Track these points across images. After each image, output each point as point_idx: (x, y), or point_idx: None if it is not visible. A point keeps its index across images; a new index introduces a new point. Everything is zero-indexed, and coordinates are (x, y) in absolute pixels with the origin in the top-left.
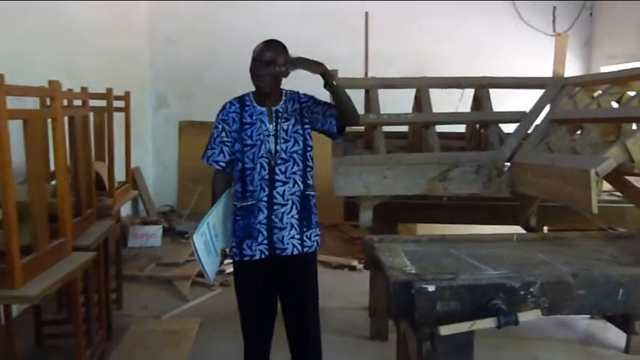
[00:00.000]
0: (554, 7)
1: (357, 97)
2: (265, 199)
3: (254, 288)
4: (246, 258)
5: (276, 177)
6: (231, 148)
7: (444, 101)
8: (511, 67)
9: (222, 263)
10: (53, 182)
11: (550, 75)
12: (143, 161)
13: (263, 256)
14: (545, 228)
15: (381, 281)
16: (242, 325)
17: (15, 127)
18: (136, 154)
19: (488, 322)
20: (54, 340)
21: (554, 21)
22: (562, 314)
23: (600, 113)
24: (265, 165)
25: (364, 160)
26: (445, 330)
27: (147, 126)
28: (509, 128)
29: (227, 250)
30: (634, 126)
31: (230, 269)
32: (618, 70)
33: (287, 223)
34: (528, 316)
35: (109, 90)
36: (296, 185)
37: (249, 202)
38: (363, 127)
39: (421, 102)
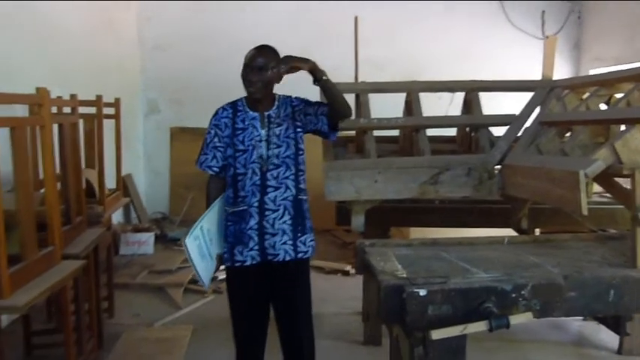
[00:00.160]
0: (543, 11)
1: (347, 101)
2: (256, 204)
3: (246, 294)
4: (237, 264)
5: (268, 182)
6: (223, 153)
7: (435, 105)
8: (501, 70)
9: (217, 269)
10: (43, 190)
11: (539, 78)
12: (134, 168)
13: (254, 262)
14: (537, 230)
15: (373, 286)
16: (234, 331)
17: (3, 135)
18: (128, 161)
19: (480, 326)
20: (44, 350)
21: (543, 24)
22: (553, 316)
23: (589, 115)
24: (257, 170)
25: (355, 164)
26: (437, 334)
27: (138, 133)
28: (499, 131)
29: (223, 255)
30: (622, 127)
31: (222, 276)
32: (606, 73)
33: (279, 229)
34: (520, 319)
35: (99, 97)
36: (288, 190)
37: (241, 208)
38: (354, 132)
39: (412, 106)
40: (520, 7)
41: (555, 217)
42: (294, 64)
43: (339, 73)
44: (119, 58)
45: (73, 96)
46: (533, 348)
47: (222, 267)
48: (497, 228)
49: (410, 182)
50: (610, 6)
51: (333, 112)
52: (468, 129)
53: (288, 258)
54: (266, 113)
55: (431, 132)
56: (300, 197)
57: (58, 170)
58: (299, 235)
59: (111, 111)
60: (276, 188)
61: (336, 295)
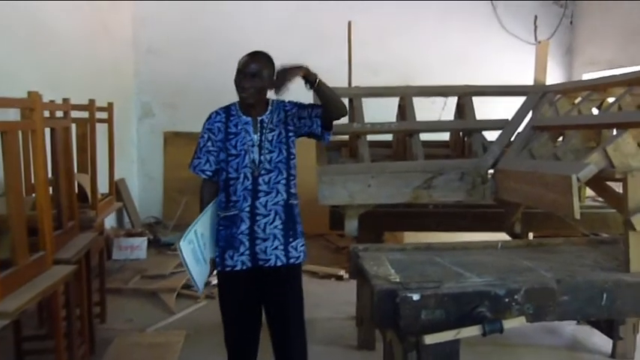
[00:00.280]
0: (536, 16)
1: (342, 100)
2: (248, 209)
3: (236, 299)
4: (228, 268)
5: (259, 187)
6: (216, 157)
7: (428, 110)
8: (494, 75)
9: (211, 273)
10: (34, 195)
11: (532, 82)
12: (128, 172)
13: (244, 267)
14: (531, 234)
15: (367, 290)
16: (225, 336)
17: None
18: (121, 165)
19: (474, 330)
20: (35, 356)
21: (535, 29)
22: (546, 321)
23: (581, 120)
24: (249, 175)
25: (348, 168)
26: (430, 339)
27: (132, 137)
28: (492, 136)
29: (215, 259)
30: (614, 132)
31: (216, 281)
32: (598, 78)
33: (270, 234)
34: (513, 324)
35: (92, 101)
36: (279, 195)
37: (232, 212)
38: (347, 136)
39: (405, 110)
40: (513, 12)
41: (548, 222)
42: (291, 76)
43: (333, 77)
44: (113, 62)
45: (65, 100)
46: (527, 352)
47: (214, 272)
48: (490, 232)
49: (403, 187)
50: (602, 10)
51: (328, 113)
52: (461, 133)
53: (279, 263)
54: (259, 118)
55: (424, 136)
56: (291, 202)
57: (50, 175)
58: (290, 240)
59: (104, 115)
60: (268, 193)
61: (329, 300)
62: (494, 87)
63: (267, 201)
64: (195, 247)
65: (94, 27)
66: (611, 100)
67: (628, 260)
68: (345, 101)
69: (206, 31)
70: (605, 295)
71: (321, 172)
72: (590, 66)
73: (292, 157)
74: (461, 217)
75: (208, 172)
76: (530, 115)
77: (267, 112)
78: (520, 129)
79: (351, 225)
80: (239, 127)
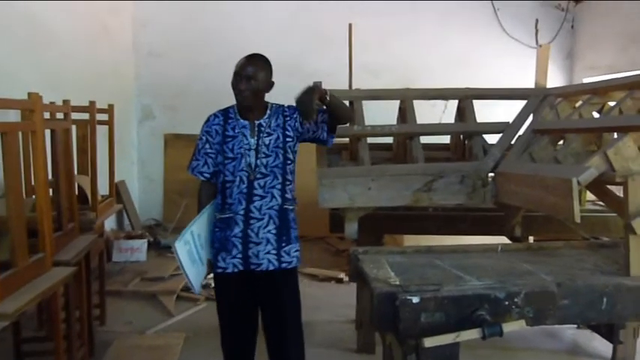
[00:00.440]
0: (537, 20)
1: (348, 107)
2: (242, 212)
3: (229, 301)
4: (220, 270)
5: (255, 191)
6: (214, 159)
7: (429, 113)
8: (495, 78)
9: (208, 274)
10: (34, 196)
11: (532, 86)
12: (128, 174)
13: (236, 270)
14: (531, 238)
15: (366, 293)
16: (221, 338)
17: None
18: (121, 167)
19: (473, 334)
20: (34, 358)
21: (536, 33)
22: (546, 324)
23: (581, 123)
24: (244, 178)
25: (348, 171)
26: (429, 342)
27: (132, 139)
28: (493, 139)
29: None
30: (615, 135)
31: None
32: (599, 81)
33: (263, 238)
34: (513, 327)
35: (92, 103)
36: (274, 199)
37: (227, 215)
38: (348, 139)
39: (405, 113)
40: (514, 16)
41: (549, 225)
42: (315, 102)
43: (333, 79)
44: (114, 64)
45: (65, 102)
46: (527, 356)
47: (211, 275)
48: (491, 235)
49: (403, 190)
50: (603, 15)
51: (338, 121)
52: (461, 136)
53: (271, 267)
54: (257, 122)
55: (425, 139)
56: (285, 207)
57: (50, 176)
58: (283, 245)
59: (104, 117)
60: (262, 197)
61: (329, 303)
62: (495, 90)
63: (261, 205)
64: (191, 248)
65: (95, 29)
66: (611, 103)
67: (628, 264)
68: (346, 104)
69: (206, 33)
70: (605, 299)
71: (322, 174)
72: (590, 70)
73: (289, 162)
74: (461, 220)
75: (206, 174)
76: (530, 118)
77: (266, 117)
78: (521, 132)
79: (351, 228)
80: (236, 131)
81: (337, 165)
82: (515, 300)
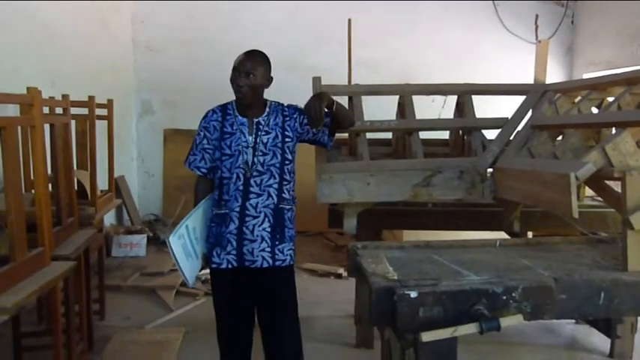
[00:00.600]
0: (537, 16)
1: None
2: (238, 209)
3: (224, 296)
4: (214, 265)
5: (251, 189)
6: (212, 155)
7: (428, 108)
8: (495, 74)
9: (203, 267)
10: (34, 191)
11: (532, 82)
12: (128, 169)
13: (230, 266)
14: (530, 233)
15: (365, 288)
16: (217, 332)
17: None
18: (121, 163)
19: (471, 328)
20: (34, 352)
21: (536, 29)
22: (544, 319)
23: (580, 119)
24: (241, 176)
25: (347, 166)
26: (427, 336)
27: (132, 134)
28: (492, 134)
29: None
30: (613, 131)
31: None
32: (597, 77)
33: (258, 236)
34: (510, 322)
35: (91, 98)
36: (270, 198)
37: (223, 211)
38: (347, 134)
39: (405, 109)
40: (514, 11)
41: (547, 220)
42: (322, 111)
43: (332, 74)
44: (113, 59)
45: (64, 96)
46: (526, 351)
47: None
48: (490, 231)
49: (402, 185)
50: (603, 11)
51: (340, 127)
52: (460, 132)
53: (265, 265)
54: (255, 120)
55: (425, 135)
56: (281, 206)
57: (49, 171)
58: (277, 243)
59: (103, 112)
60: (259, 195)
61: (328, 298)
62: (494, 85)
63: (257, 203)
64: (185, 242)
65: (94, 24)
66: (610, 99)
67: (626, 259)
68: (345, 99)
69: (206, 29)
70: (602, 294)
71: (321, 170)
72: (590, 66)
73: (287, 162)
74: (460, 215)
75: (203, 169)
76: (529, 113)
77: (264, 114)
78: (520, 128)
79: (350, 223)
80: (234, 128)
81: (336, 160)
82: (513, 295)
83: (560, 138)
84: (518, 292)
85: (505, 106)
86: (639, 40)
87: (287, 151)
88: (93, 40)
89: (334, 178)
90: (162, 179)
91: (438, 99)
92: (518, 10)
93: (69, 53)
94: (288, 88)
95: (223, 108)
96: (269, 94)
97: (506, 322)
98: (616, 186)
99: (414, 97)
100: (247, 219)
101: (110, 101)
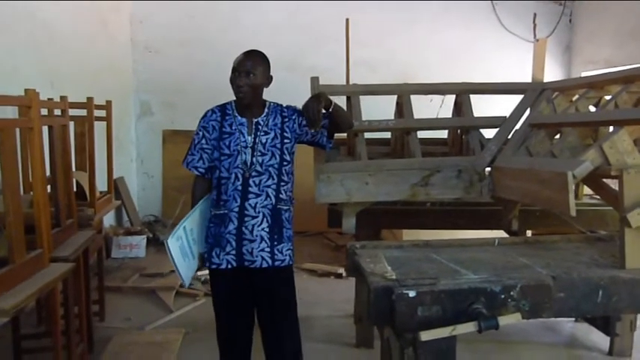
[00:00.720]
0: (535, 14)
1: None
2: (237, 209)
3: (223, 296)
4: (214, 266)
5: (250, 189)
6: (210, 155)
7: (426, 107)
8: (493, 73)
9: (200, 268)
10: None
11: (530, 80)
12: (127, 171)
13: (229, 266)
14: (530, 232)
15: (364, 288)
16: (217, 332)
17: None
18: (120, 164)
19: (469, 327)
20: (33, 355)
21: (534, 27)
22: (542, 317)
23: (578, 117)
24: (240, 176)
25: (346, 166)
26: (426, 335)
27: (131, 135)
28: (490, 133)
29: (205, 255)
30: (611, 129)
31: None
32: (595, 75)
33: (257, 236)
34: (509, 320)
35: (90, 99)
36: (268, 198)
37: (222, 211)
38: (345, 134)
39: (403, 108)
40: (512, 10)
41: (546, 219)
42: (320, 112)
43: (331, 74)
44: (112, 60)
45: (63, 98)
46: (525, 349)
47: (203, 269)
48: (489, 230)
49: (401, 184)
50: (601, 9)
51: (339, 129)
52: (459, 131)
53: (264, 265)
54: (254, 120)
55: (424, 134)
56: (279, 207)
57: (48, 173)
58: (276, 243)
59: (102, 113)
60: (257, 195)
61: (328, 298)
62: (492, 84)
63: (256, 203)
64: (183, 243)
65: (93, 25)
66: (608, 97)
67: (624, 257)
68: (343, 99)
69: (205, 29)
70: (600, 292)
71: (319, 170)
72: (588, 64)
73: (286, 163)
74: (458, 214)
75: (201, 169)
76: (527, 112)
77: (263, 115)
78: (518, 126)
79: (349, 223)
80: (233, 128)
81: (335, 160)
82: (511, 293)
83: (558, 136)
84: (517, 290)
85: (503, 105)
86: (637, 38)
87: (286, 152)
88: (92, 40)
89: (332, 177)
90: (162, 180)
91: (436, 98)
92: (516, 9)
93: (68, 53)
94: (288, 88)
95: (222, 108)
96: (269, 94)
97: (504, 320)
98: (613, 184)
99: (412, 97)
100: (246, 219)
101: (109, 102)
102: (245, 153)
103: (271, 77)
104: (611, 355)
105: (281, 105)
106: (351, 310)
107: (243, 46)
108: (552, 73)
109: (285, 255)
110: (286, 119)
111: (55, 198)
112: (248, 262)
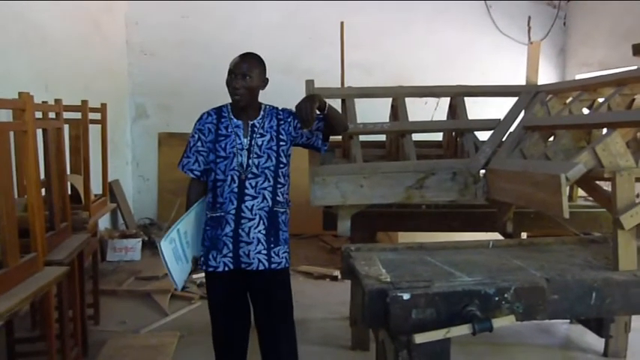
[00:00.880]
0: (529, 17)
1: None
2: (233, 212)
3: (220, 299)
4: (211, 269)
5: (246, 191)
6: (206, 157)
7: (421, 110)
8: (488, 75)
9: (193, 271)
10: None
11: (524, 83)
12: (122, 173)
13: (227, 269)
14: (525, 234)
15: (359, 290)
16: (213, 335)
17: None
18: (116, 167)
19: (463, 329)
20: (27, 359)
21: (529, 30)
22: (536, 319)
23: (571, 120)
24: (236, 178)
25: (341, 169)
26: (420, 338)
27: (126, 138)
28: (485, 136)
29: (200, 258)
30: (604, 131)
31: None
32: (588, 78)
33: (254, 238)
34: (503, 322)
35: (84, 102)
36: (265, 201)
37: (218, 214)
38: (340, 137)
39: (398, 111)
40: (506, 13)
41: (541, 221)
42: (313, 111)
43: (327, 77)
44: (107, 63)
45: (57, 101)
46: (520, 351)
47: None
48: (484, 232)
49: (395, 187)
50: (595, 12)
51: (334, 131)
52: (453, 134)
53: (261, 267)
54: (250, 122)
55: (419, 137)
56: (275, 209)
57: (43, 176)
58: (272, 245)
59: (97, 116)
60: (254, 197)
61: (324, 301)
62: (487, 87)
63: (253, 205)
64: (176, 246)
65: (87, 27)
66: (601, 100)
67: (617, 259)
68: (338, 101)
69: (200, 32)
70: (594, 294)
71: (314, 172)
72: (583, 67)
73: (282, 165)
74: (453, 217)
75: (196, 172)
76: (522, 115)
77: (259, 117)
78: (512, 129)
79: (344, 225)
80: (229, 130)
81: (330, 163)
82: (505, 295)
83: (551, 139)
84: (511, 292)
85: (497, 108)
86: (631, 40)
87: (282, 154)
88: (87, 42)
89: (327, 180)
90: (157, 183)
91: (431, 101)
92: (511, 11)
93: (62, 56)
94: (284, 91)
95: (218, 111)
96: (265, 97)
97: (498, 322)
98: (607, 186)
99: (407, 100)
100: (243, 221)
101: (103, 105)
102: (241, 155)
103: (267, 80)
104: (606, 357)
105: (276, 108)
106: (346, 313)
107: (239, 49)
108: (547, 76)
109: (282, 258)
110: (282, 122)
111: (50, 201)
112: (245, 264)
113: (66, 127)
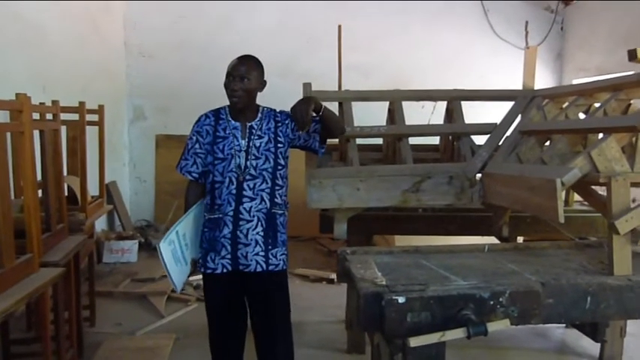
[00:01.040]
0: (527, 22)
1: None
2: (231, 213)
3: (217, 301)
4: (209, 271)
5: (244, 192)
6: (204, 159)
7: (418, 114)
8: (485, 79)
9: (192, 273)
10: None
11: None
12: (119, 175)
13: (225, 271)
14: (521, 238)
15: (354, 293)
16: (209, 337)
17: None
18: (113, 168)
19: (458, 333)
20: None
21: (526, 35)
22: (531, 324)
23: (567, 124)
24: (234, 180)
25: (337, 172)
26: (415, 341)
27: (123, 139)
28: (481, 140)
29: (199, 260)
30: (600, 136)
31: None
32: (585, 83)
33: (252, 240)
34: (497, 326)
35: (82, 104)
36: (263, 202)
37: (216, 215)
38: (337, 140)
39: (394, 114)
40: (504, 17)
41: (537, 225)
42: (309, 113)
43: (324, 80)
44: (105, 64)
45: (54, 102)
46: (515, 355)
47: (196, 274)
48: (480, 236)
49: (392, 190)
50: (592, 17)
51: (330, 134)
52: (450, 137)
53: (259, 269)
54: (248, 124)
55: (416, 140)
56: (273, 211)
57: (39, 177)
58: (270, 247)
59: (94, 118)
60: (252, 199)
61: (320, 304)
62: (484, 91)
63: (251, 207)
64: (175, 248)
65: (86, 28)
66: (597, 105)
67: (612, 263)
68: (335, 104)
69: (198, 34)
70: (589, 299)
71: (310, 175)
72: (580, 72)
73: (280, 167)
74: (450, 220)
75: (195, 174)
76: (518, 119)
77: (257, 119)
78: (508, 133)
79: (340, 228)
80: (227, 132)
81: (326, 166)
82: (500, 299)
83: (548, 143)
84: (506, 296)
85: (494, 112)
86: (628, 45)
87: (279, 156)
88: (85, 44)
89: (324, 183)
90: (154, 185)
91: (428, 105)
92: (509, 16)
93: (60, 57)
94: (281, 94)
95: (216, 113)
96: (262, 99)
97: (493, 326)
98: (602, 191)
99: (404, 103)
100: (241, 223)
101: (101, 107)
102: (239, 157)
103: (265, 82)
104: None
105: (274, 110)
106: (342, 316)
107: (236, 51)
108: (544, 81)
109: (280, 260)
110: (279, 124)
111: (46, 202)
112: (243, 265)
113: (63, 128)
